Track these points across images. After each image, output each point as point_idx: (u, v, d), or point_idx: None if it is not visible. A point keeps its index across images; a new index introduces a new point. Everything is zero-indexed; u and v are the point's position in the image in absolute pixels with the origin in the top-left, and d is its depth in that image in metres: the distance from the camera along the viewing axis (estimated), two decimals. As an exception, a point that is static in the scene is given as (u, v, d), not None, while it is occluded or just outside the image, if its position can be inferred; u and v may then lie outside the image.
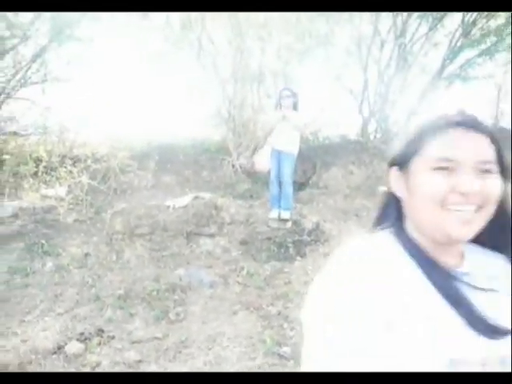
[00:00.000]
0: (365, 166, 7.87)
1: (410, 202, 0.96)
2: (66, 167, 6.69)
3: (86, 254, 5.27)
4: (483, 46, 8.38)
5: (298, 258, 5.46)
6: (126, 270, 4.95)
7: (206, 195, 6.47)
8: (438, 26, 8.46)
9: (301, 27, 7.99)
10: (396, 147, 1.01)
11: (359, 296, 0.87)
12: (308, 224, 6.03)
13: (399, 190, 0.99)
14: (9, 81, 7.26)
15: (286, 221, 6.02)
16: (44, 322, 4.14)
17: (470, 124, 0.93)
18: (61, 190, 6.40)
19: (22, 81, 7.41)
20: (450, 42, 8.54)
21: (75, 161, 6.98)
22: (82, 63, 7.51)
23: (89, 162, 6.79)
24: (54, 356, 3.68)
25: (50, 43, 7.11)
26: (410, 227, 0.99)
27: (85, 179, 6.49)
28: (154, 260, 5.27)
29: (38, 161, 6.84)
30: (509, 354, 0.90)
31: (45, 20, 6.82)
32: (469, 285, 0.91)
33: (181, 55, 8.17)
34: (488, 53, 8.36)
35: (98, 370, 3.53)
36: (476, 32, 8.36)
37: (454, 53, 8.58)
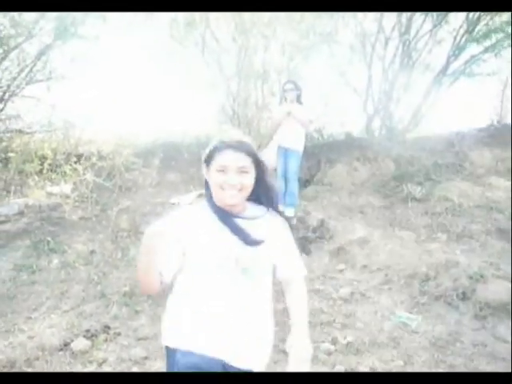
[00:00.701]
0: (369, 163, 7.85)
1: (211, 185, 1.85)
2: (71, 165, 6.70)
3: (92, 252, 5.30)
4: (488, 43, 8.34)
5: (303, 254, 5.46)
6: (132, 267, 4.96)
7: (211, 192, 6.45)
8: (443, 22, 8.42)
9: (305, 24, 7.98)
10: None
11: (181, 232, 1.79)
12: (313, 221, 6.03)
13: (207, 178, 1.88)
14: (14, 79, 7.27)
15: (290, 218, 6.03)
16: (50, 318, 4.16)
17: (236, 146, 1.79)
18: (66, 188, 6.41)
19: (27, 79, 7.40)
20: (455, 38, 8.50)
21: (80, 158, 6.99)
22: (86, 61, 7.49)
23: (94, 159, 6.81)
24: (61, 353, 3.71)
25: (54, 41, 7.11)
26: (214, 198, 1.85)
27: (90, 177, 6.50)
28: (159, 257, 5.28)
29: (43, 158, 6.85)
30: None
31: (49, 18, 6.81)
32: (243, 218, 1.83)
33: (185, 53, 8.17)
34: (493, 49, 8.32)
35: (105, 366, 3.55)
36: (481, 28, 8.33)
37: (458, 49, 8.55)
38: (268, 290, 1.89)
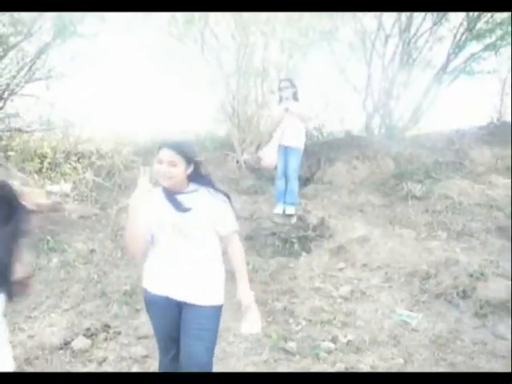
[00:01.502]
0: (369, 161, 7.85)
1: None
2: (70, 163, 6.71)
3: (92, 250, 5.29)
4: (488, 41, 8.33)
5: (303, 253, 5.47)
6: (132, 266, 4.96)
7: (211, 191, 6.45)
8: (443, 20, 8.41)
9: (304, 22, 7.94)
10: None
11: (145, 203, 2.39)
12: (313, 219, 6.03)
13: None
14: (13, 77, 7.27)
15: (290, 216, 6.02)
16: (50, 317, 4.16)
17: (169, 145, 2.36)
18: (66, 187, 6.40)
19: (27, 77, 7.40)
20: (455, 36, 8.49)
21: (80, 157, 6.98)
22: (85, 59, 7.49)
23: (93, 158, 6.80)
24: (61, 351, 3.71)
25: (53, 40, 7.10)
26: None
27: (89, 175, 6.50)
28: (159, 256, 5.27)
29: (42, 157, 6.85)
30: None
31: (48, 17, 6.80)
32: (182, 193, 2.43)
33: (184, 50, 8.14)
34: (493, 47, 8.31)
35: (105, 365, 3.55)
36: (481, 26, 8.32)
37: (458, 47, 8.54)
38: (208, 246, 2.51)
